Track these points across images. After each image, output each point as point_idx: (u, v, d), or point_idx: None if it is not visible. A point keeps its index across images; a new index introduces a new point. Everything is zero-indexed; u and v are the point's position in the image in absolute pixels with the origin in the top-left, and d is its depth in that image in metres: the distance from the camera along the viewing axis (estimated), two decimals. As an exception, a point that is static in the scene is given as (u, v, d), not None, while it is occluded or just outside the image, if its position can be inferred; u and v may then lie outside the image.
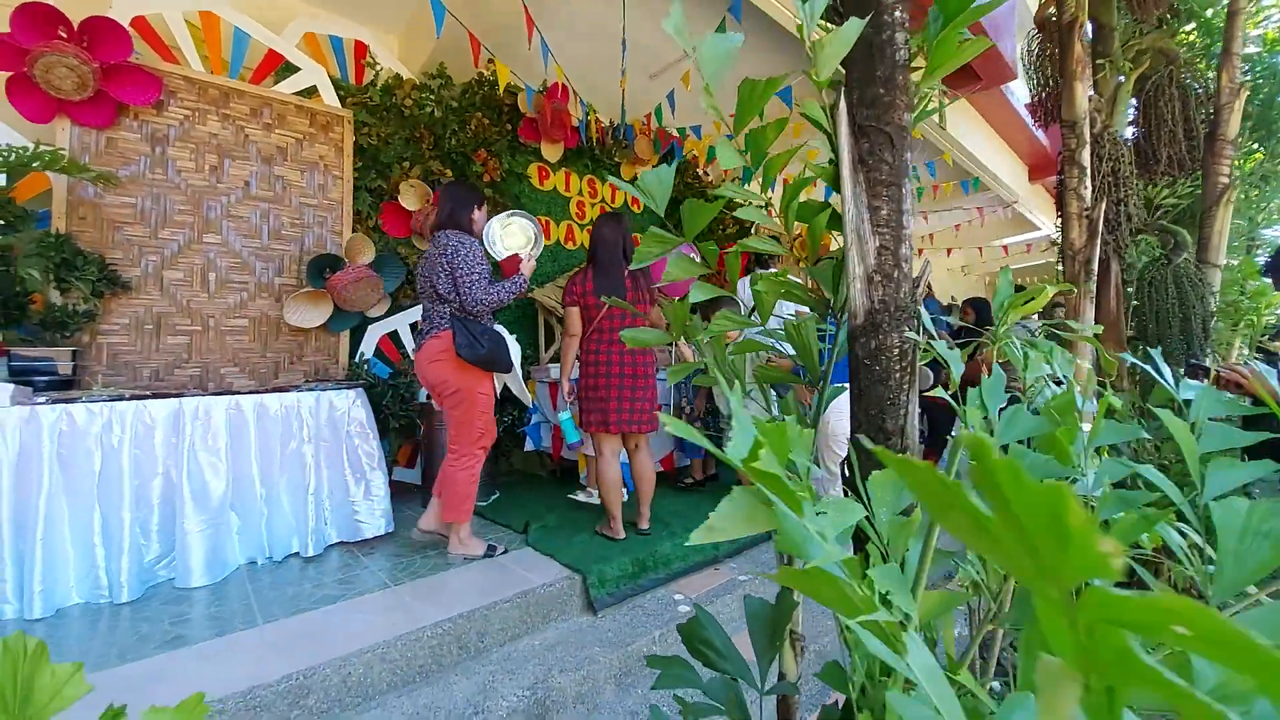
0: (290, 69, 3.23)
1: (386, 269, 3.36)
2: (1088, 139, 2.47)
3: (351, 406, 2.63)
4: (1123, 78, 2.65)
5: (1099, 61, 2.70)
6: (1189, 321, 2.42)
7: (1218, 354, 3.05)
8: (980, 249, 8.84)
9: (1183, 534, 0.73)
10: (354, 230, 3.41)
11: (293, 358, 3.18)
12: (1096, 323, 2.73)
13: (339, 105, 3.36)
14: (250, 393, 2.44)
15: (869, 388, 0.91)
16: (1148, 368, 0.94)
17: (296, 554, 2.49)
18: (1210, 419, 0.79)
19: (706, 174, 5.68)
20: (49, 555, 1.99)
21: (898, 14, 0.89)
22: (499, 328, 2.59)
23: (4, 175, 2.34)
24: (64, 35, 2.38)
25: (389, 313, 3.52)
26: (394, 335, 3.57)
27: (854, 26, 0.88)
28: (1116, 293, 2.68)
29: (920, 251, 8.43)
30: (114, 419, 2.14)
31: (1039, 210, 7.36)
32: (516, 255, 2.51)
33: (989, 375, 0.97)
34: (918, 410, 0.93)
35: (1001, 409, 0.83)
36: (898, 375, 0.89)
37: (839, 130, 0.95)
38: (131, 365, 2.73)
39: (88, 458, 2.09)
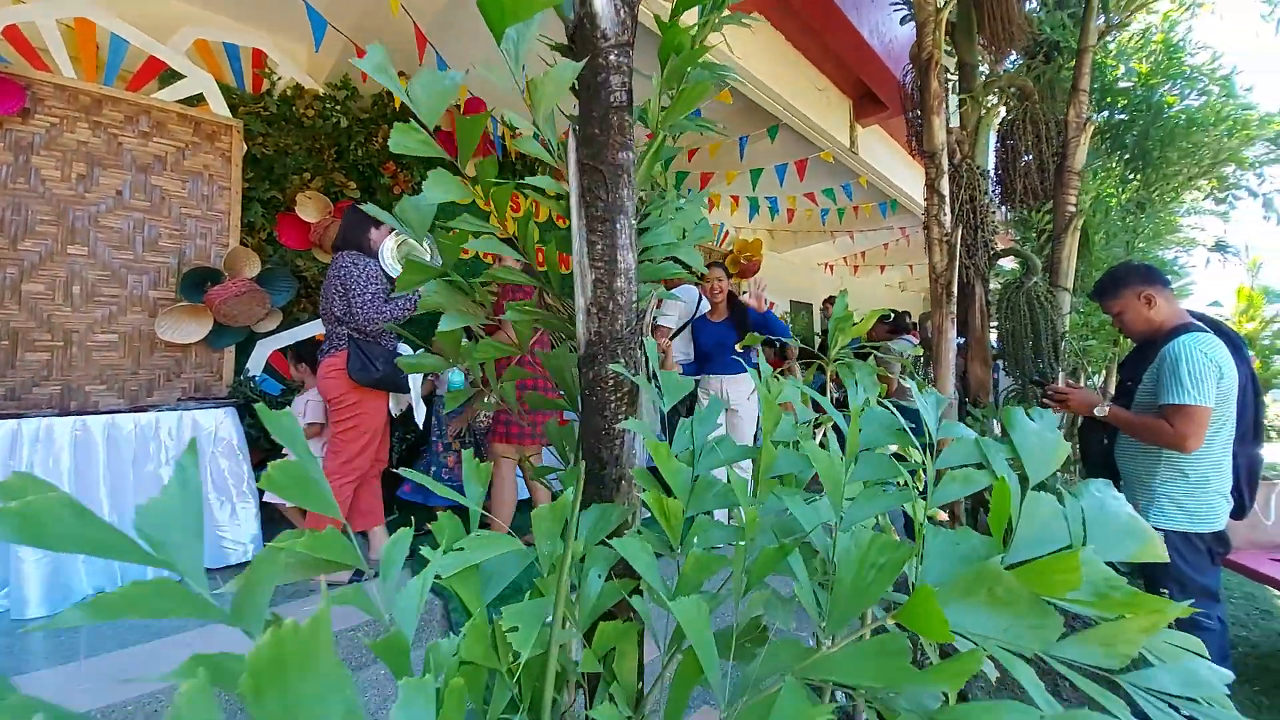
0: (175, 76, 3.13)
1: (275, 283, 3.26)
2: (946, 169, 2.61)
3: (219, 426, 2.53)
4: (984, 112, 2.82)
5: (962, 96, 2.87)
6: (1039, 340, 2.57)
7: (1084, 369, 3.25)
8: (910, 266, 9.21)
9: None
10: (243, 242, 3.30)
11: (170, 375, 3.04)
12: (964, 340, 2.87)
13: (228, 114, 3.27)
14: (101, 413, 2.32)
15: (588, 418, 0.93)
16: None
17: (150, 583, 2.37)
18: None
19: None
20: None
21: (613, 58, 0.93)
22: (404, 347, 2.58)
23: None
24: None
25: (281, 327, 3.42)
26: (285, 350, 3.46)
27: (567, 69, 0.91)
28: (981, 313, 2.83)
29: (830, 268, 8.73)
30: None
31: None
32: None
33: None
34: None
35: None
36: (612, 406, 0.91)
37: (569, 166, 0.98)
38: (-18, 383, 2.56)
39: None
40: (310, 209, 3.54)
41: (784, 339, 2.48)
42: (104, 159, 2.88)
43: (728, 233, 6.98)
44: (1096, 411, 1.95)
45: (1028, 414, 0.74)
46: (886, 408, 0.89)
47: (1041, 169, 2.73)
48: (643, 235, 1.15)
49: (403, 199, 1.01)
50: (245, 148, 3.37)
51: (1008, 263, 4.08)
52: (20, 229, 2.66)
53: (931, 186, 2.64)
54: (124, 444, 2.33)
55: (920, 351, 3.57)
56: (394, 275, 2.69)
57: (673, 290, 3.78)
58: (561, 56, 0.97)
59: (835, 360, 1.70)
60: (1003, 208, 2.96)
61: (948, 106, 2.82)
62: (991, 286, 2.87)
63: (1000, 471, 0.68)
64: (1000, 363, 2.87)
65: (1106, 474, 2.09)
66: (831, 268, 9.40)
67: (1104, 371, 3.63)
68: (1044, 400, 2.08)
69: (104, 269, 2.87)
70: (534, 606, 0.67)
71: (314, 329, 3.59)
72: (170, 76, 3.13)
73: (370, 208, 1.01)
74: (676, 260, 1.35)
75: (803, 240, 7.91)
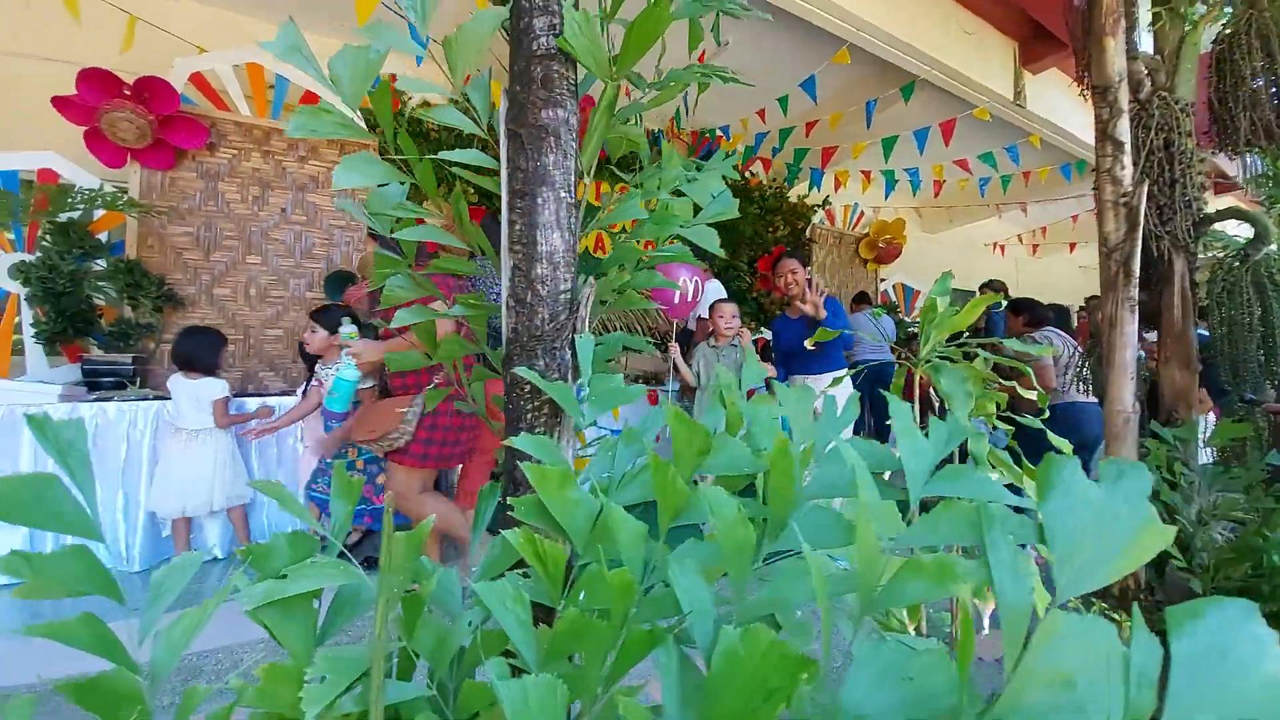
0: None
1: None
2: (1124, 107, 1.99)
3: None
4: (1189, 28, 2.09)
5: (1156, 10, 2.16)
6: (1272, 337, 1.84)
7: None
8: (1113, 242, 7.47)
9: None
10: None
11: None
12: (1157, 338, 2.19)
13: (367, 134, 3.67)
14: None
15: (508, 430, 0.81)
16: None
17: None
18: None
19: (751, 175, 5.41)
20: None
21: (538, -2, 0.78)
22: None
23: (80, 212, 2.88)
24: (127, 94, 2.86)
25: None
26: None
27: (486, 19, 0.80)
28: (1183, 300, 2.13)
29: (1001, 248, 7.35)
30: (137, 416, 2.54)
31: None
32: None
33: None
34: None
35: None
36: (529, 416, 0.78)
37: (500, 135, 0.86)
38: (186, 369, 3.20)
39: (116, 447, 2.50)
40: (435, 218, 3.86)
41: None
42: (272, 182, 3.42)
43: (862, 214, 6.27)
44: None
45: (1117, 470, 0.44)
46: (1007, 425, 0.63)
47: (1278, 97, 1.95)
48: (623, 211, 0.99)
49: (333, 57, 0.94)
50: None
51: (1230, 229, 3.05)
52: (211, 243, 3.27)
53: (1104, 131, 2.03)
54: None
55: (1050, 351, 2.86)
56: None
57: (709, 285, 3.48)
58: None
59: (925, 361, 1.37)
60: (1221, 154, 2.18)
61: (1132, 23, 2.15)
62: (1200, 262, 2.13)
63: (1000, 574, 0.41)
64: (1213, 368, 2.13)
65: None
66: (1003, 248, 7.99)
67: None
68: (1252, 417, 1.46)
69: (273, 274, 3.42)
70: (356, 654, 0.57)
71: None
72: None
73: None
74: (689, 244, 1.16)
75: (961, 217, 6.82)
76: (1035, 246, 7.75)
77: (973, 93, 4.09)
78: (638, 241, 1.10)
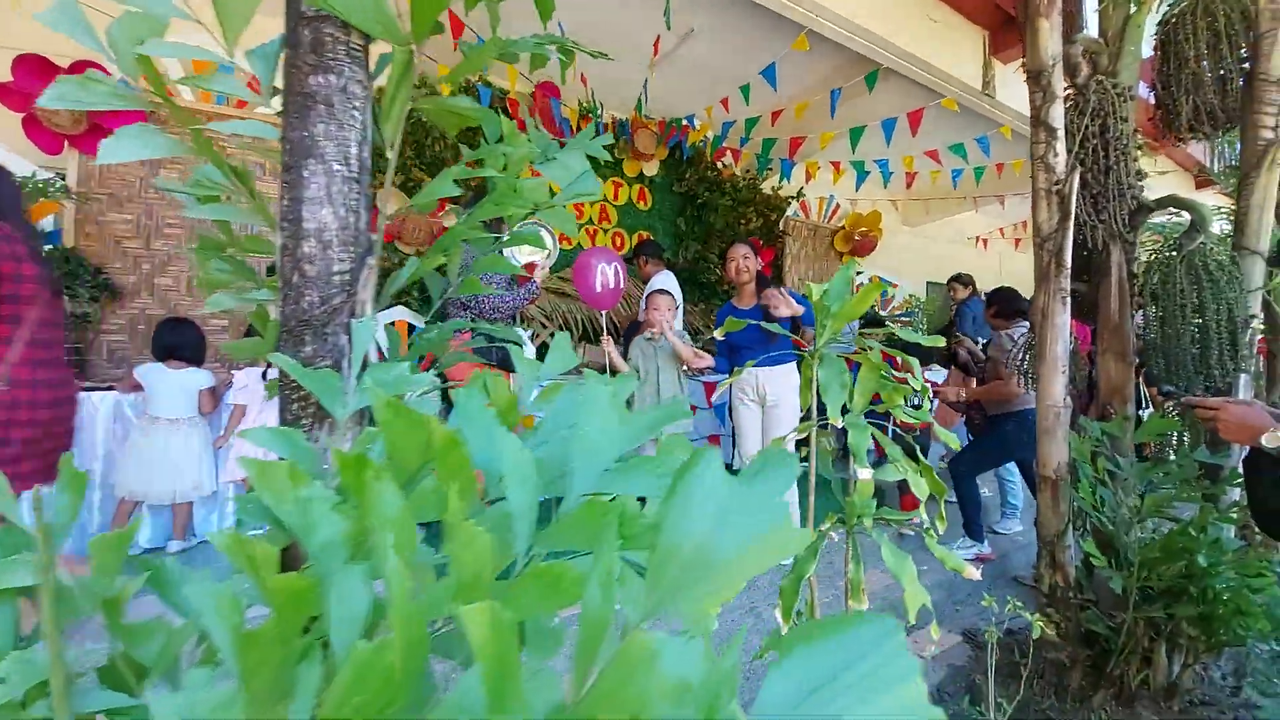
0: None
1: (432, 280, 3.56)
2: (1059, 92, 1.93)
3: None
4: (1134, 8, 2.02)
5: (1098, -9, 2.10)
6: (1208, 329, 1.79)
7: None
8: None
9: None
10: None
11: (268, 355, 3.48)
12: (1096, 329, 2.14)
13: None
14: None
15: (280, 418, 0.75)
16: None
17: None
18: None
19: (724, 166, 5.34)
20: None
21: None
22: (519, 330, 2.73)
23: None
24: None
25: (360, 314, 3.73)
26: (367, 335, 3.78)
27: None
28: (1120, 291, 2.08)
29: (984, 242, 7.31)
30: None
31: (1167, 182, 5.99)
32: (533, 264, 2.76)
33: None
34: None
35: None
36: (294, 407, 0.72)
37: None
38: (127, 360, 3.15)
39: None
40: (390, 204, 3.79)
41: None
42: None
43: (838, 206, 6.21)
44: (1266, 441, 1.27)
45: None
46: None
47: (1223, 80, 1.88)
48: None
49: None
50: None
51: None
52: (153, 231, 3.20)
53: (1037, 117, 1.97)
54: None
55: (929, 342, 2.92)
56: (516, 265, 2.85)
57: (656, 276, 3.43)
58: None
59: (819, 355, 1.31)
60: (1193, 144, 2.12)
61: (1078, 6, 2.09)
62: (1139, 251, 2.08)
63: (592, 583, 0.36)
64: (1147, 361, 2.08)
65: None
66: (985, 242, 7.93)
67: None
68: (1181, 413, 1.41)
69: (216, 263, 3.35)
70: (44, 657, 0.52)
71: (397, 314, 3.87)
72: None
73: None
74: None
75: (938, 211, 6.76)
76: (1018, 241, 7.69)
77: (940, 82, 4.02)
78: (485, 223, 1.04)
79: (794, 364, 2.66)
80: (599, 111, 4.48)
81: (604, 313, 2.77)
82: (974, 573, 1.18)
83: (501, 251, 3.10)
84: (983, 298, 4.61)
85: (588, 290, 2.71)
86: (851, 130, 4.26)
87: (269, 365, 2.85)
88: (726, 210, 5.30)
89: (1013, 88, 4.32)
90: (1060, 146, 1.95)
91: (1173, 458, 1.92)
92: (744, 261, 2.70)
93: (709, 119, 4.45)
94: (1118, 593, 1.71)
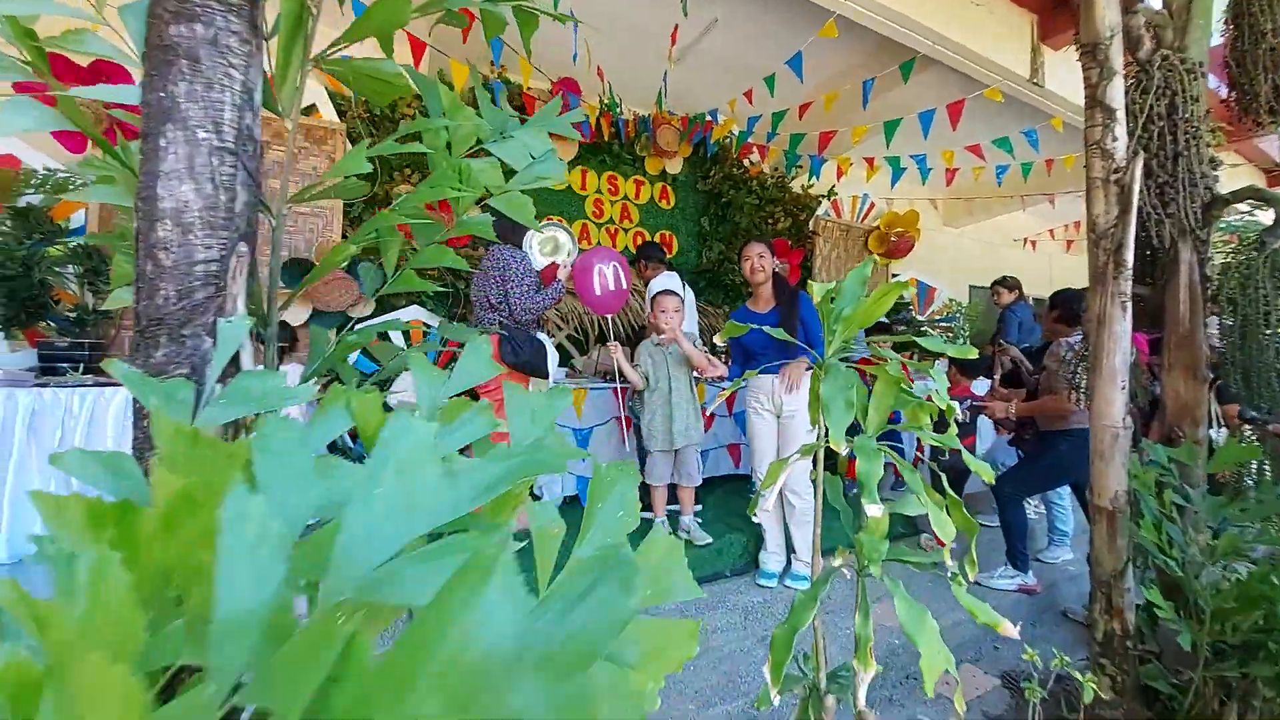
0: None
1: (364, 274, 3.52)
2: (1118, 68, 1.69)
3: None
4: (1208, -26, 1.77)
5: (1166, -45, 1.85)
6: (1296, 341, 1.53)
7: None
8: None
9: None
10: (344, 235, 3.64)
11: (285, 352, 3.48)
12: (1160, 339, 1.89)
13: (336, 120, 3.61)
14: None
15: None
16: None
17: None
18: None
19: (751, 163, 5.14)
20: (15, 512, 2.38)
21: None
22: (542, 337, 2.71)
23: (40, 197, 2.88)
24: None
25: (376, 313, 3.70)
26: (383, 335, 3.75)
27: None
28: (1190, 295, 1.82)
29: (1033, 244, 6.86)
30: (73, 401, 2.50)
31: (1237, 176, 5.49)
32: (554, 263, 2.72)
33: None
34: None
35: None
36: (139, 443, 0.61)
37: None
38: (146, 356, 3.18)
39: (53, 432, 2.47)
40: (404, 202, 3.76)
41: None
42: (235, 167, 3.36)
43: (872, 205, 5.92)
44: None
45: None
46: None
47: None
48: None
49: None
50: (350, 149, 3.70)
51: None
52: (175, 230, 3.24)
53: (1093, 96, 1.74)
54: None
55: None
56: (536, 268, 2.77)
57: (658, 278, 3.26)
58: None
59: (825, 366, 1.15)
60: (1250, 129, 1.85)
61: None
62: (1211, 251, 1.81)
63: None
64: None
65: None
66: (1034, 244, 7.46)
67: None
68: (1263, 439, 1.17)
69: (234, 262, 3.37)
70: None
71: (411, 314, 3.84)
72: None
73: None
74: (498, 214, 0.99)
75: (982, 210, 6.37)
76: (1070, 243, 7.20)
77: (983, 70, 3.74)
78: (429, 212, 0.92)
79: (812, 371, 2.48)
80: (618, 108, 4.35)
81: (610, 317, 2.63)
82: (1010, 630, 0.99)
83: (526, 248, 3.03)
84: (1029, 302, 4.29)
85: (588, 294, 2.59)
86: (886, 124, 4.01)
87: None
88: (752, 209, 5.10)
89: (1064, 76, 4.00)
90: (1120, 130, 1.71)
91: (1253, 491, 1.66)
92: (759, 261, 2.51)
93: (732, 113, 4.27)
94: (1185, 647, 1.47)
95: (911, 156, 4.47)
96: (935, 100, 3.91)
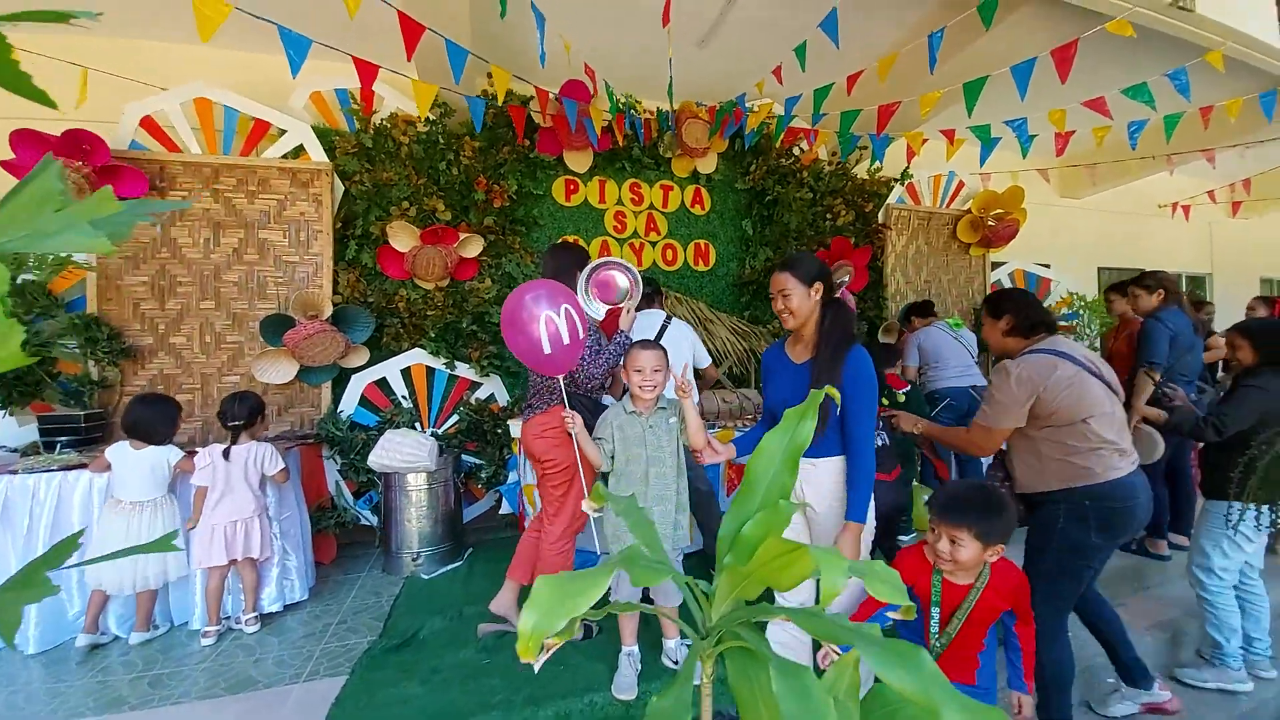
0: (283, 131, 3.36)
1: (353, 322, 3.27)
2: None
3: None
4: None
5: None
6: None
7: None
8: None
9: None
10: (339, 280, 3.41)
11: (281, 409, 3.31)
12: None
13: (324, 159, 3.38)
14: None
15: None
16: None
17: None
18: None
19: (800, 151, 4.37)
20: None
21: None
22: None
23: (36, 274, 2.87)
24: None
25: (372, 360, 3.44)
26: (382, 382, 3.49)
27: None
28: None
29: (1185, 210, 5.43)
30: (40, 487, 2.41)
31: None
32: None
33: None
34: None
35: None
36: None
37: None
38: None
39: (22, 518, 2.39)
40: (401, 238, 3.47)
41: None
42: (222, 221, 3.23)
43: (960, 184, 4.88)
44: None
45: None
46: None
47: None
48: None
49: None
50: (342, 188, 3.46)
51: None
52: (166, 290, 3.15)
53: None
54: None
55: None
56: (596, 316, 2.39)
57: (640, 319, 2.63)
58: None
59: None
60: None
61: None
62: None
63: None
64: None
65: None
66: (1186, 210, 5.91)
67: None
68: None
69: (228, 318, 3.24)
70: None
71: (412, 358, 3.55)
72: (282, 131, 3.37)
73: None
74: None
75: (1113, 175, 5.08)
76: (1236, 205, 5.62)
77: (1102, -2, 2.77)
78: None
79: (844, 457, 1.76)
80: (629, 108, 3.80)
81: (560, 379, 2.01)
82: None
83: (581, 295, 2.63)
84: (1186, 307, 3.19)
85: (532, 354, 1.88)
86: (966, 86, 3.12)
87: (231, 443, 2.60)
88: (804, 206, 4.33)
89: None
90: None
91: None
92: (782, 301, 1.75)
93: (760, 95, 3.56)
94: None
95: (1006, 123, 3.51)
96: (1035, 47, 2.97)
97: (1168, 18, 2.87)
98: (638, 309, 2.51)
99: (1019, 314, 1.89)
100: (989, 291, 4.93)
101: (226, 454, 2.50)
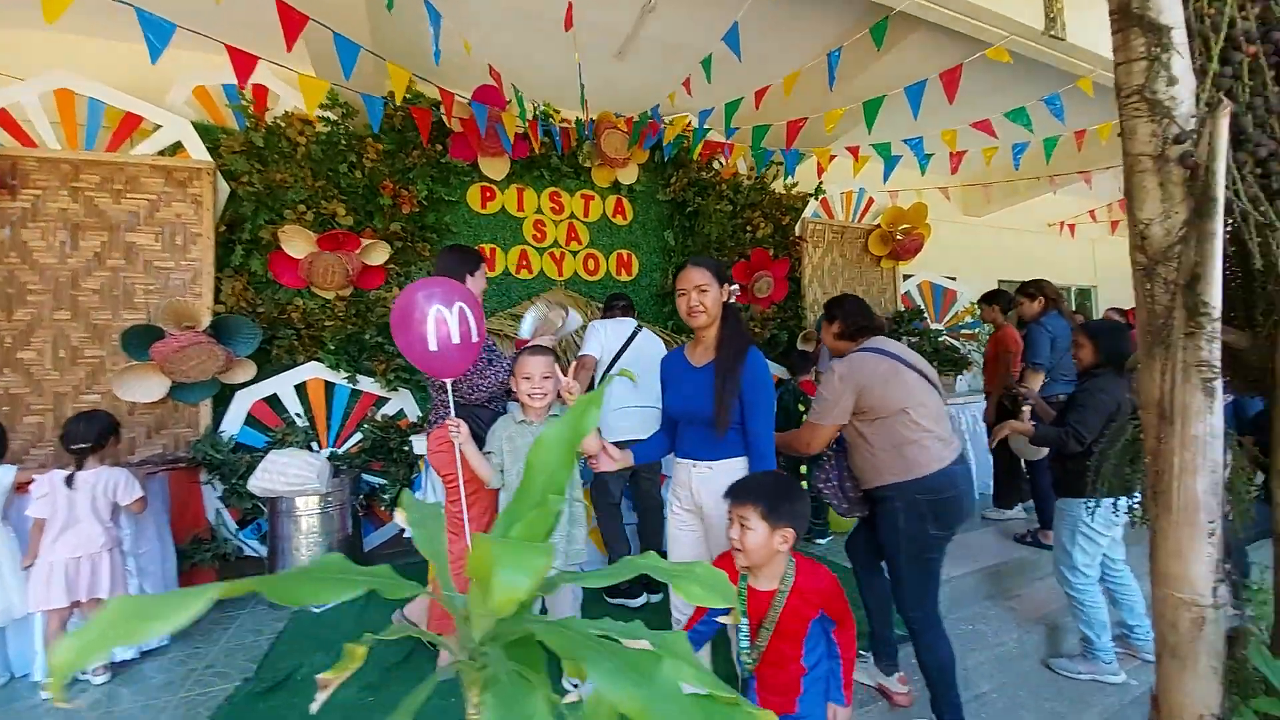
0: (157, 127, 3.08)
1: (237, 333, 3.00)
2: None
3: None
4: None
5: None
6: None
7: None
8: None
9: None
10: (222, 288, 3.14)
11: (151, 431, 2.98)
12: (1271, 414, 1.14)
13: (206, 157, 3.11)
14: None
15: None
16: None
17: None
18: None
19: (720, 165, 4.44)
20: None
21: None
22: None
23: None
24: None
25: (261, 376, 3.17)
26: (272, 399, 3.21)
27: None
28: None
29: (1070, 228, 5.91)
30: None
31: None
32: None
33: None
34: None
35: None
36: None
37: None
38: (-13, 447, 2.72)
39: None
40: (296, 244, 3.24)
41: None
42: (82, 223, 2.90)
43: (870, 201, 5.11)
44: None
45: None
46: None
47: None
48: None
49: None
50: (227, 189, 3.20)
51: None
52: (15, 299, 2.78)
53: (1125, 8, 1.02)
54: None
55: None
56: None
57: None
58: None
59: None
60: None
61: None
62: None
63: None
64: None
65: None
66: (1072, 228, 6.46)
67: None
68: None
69: (86, 331, 2.90)
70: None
71: (309, 372, 3.30)
72: (156, 127, 3.09)
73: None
74: None
75: (1006, 197, 5.48)
76: (1115, 224, 6.18)
77: (984, 26, 2.97)
78: None
79: (746, 460, 1.74)
80: (544, 116, 3.74)
81: (448, 383, 1.86)
82: None
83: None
84: (1065, 312, 3.42)
85: (415, 348, 1.71)
86: (865, 104, 3.26)
87: (76, 469, 2.30)
88: (724, 218, 4.40)
89: (1090, 25, 3.17)
90: (1181, 65, 0.97)
91: None
92: (697, 295, 1.71)
93: (673, 107, 3.59)
94: None
95: (905, 142, 3.69)
96: (926, 70, 3.14)
97: (1041, 45, 3.11)
98: (611, 318, 2.52)
99: (847, 318, 2.01)
100: (899, 302, 5.17)
101: (70, 481, 2.19)
